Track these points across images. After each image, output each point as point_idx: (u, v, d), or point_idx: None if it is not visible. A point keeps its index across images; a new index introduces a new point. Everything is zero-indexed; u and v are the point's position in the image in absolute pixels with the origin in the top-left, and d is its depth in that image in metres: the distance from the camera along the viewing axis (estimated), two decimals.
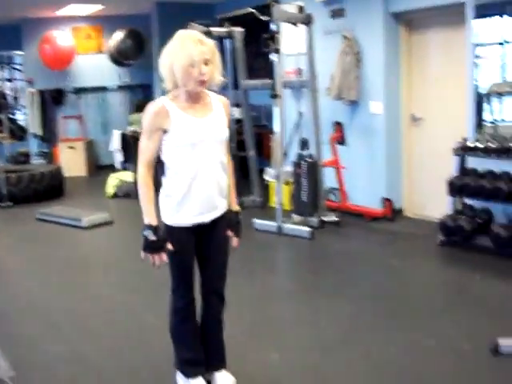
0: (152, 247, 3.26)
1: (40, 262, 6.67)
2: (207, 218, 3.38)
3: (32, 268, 6.44)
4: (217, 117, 3.36)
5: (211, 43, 3.27)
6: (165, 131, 3.24)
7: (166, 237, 3.29)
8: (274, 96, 7.06)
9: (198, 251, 3.47)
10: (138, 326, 4.70)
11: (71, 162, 12.60)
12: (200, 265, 3.53)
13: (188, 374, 3.56)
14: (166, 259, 3.30)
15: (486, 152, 6.15)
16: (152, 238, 3.25)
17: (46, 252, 7.07)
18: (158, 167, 3.36)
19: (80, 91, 13.75)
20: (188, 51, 3.15)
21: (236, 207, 3.58)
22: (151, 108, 3.26)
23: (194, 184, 3.29)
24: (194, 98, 3.30)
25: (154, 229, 3.25)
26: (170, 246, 3.29)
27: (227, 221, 3.50)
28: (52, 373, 3.97)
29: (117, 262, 6.60)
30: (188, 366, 3.58)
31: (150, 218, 3.26)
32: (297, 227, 7.25)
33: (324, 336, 4.43)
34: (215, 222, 3.43)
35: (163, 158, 3.33)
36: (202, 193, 3.32)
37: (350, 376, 3.81)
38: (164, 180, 3.38)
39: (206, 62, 3.19)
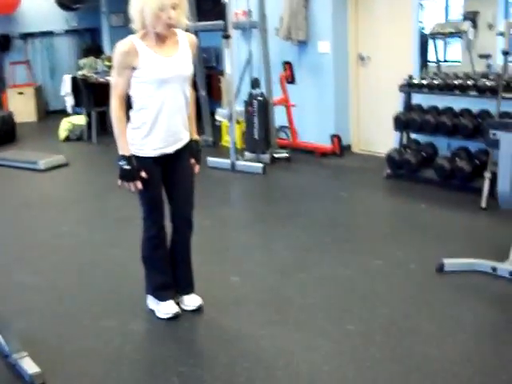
0: (127, 176, 3.49)
1: (1, 203, 6.81)
2: (172, 149, 3.60)
3: None
4: (183, 55, 3.54)
5: None
6: (134, 68, 3.42)
7: (138, 166, 3.48)
8: (226, 37, 7.20)
9: (165, 181, 3.70)
10: (103, 258, 4.91)
11: (21, 107, 12.53)
12: (168, 193, 3.76)
13: (159, 298, 3.81)
14: (140, 186, 3.51)
15: (430, 88, 6.43)
16: (126, 167, 3.46)
17: (5, 194, 7.22)
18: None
19: (27, 36, 13.60)
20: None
21: (196, 136, 3.79)
22: (121, 46, 3.42)
23: (159, 118, 3.50)
24: (162, 38, 3.48)
25: (128, 158, 3.46)
26: (143, 174, 3.50)
27: (189, 149, 3.71)
28: (28, 301, 4.18)
29: (76, 202, 6.77)
30: (159, 290, 3.83)
31: (124, 149, 3.48)
32: (249, 164, 7.51)
33: (280, 260, 4.71)
34: (179, 153, 3.65)
35: (131, 93, 3.51)
36: (167, 126, 3.53)
37: (305, 295, 4.08)
38: (132, 114, 3.56)
39: (174, 7, 3.36)
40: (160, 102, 3.49)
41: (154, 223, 3.72)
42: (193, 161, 3.76)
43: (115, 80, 3.48)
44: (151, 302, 3.89)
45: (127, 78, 3.45)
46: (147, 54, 3.43)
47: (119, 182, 3.52)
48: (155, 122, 3.51)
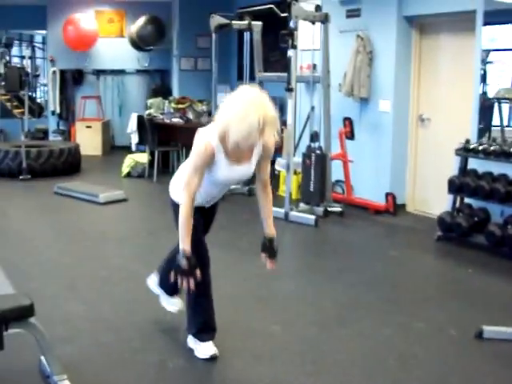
0: (183, 273, 3.48)
1: (59, 233, 7.05)
2: (207, 205, 3.92)
3: (52, 238, 6.81)
4: (251, 163, 3.64)
5: (273, 114, 3.36)
6: (208, 167, 3.55)
7: (196, 264, 3.51)
8: (289, 89, 7.39)
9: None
10: (151, 294, 5.05)
11: (87, 140, 12.93)
12: None
13: (200, 339, 3.94)
14: (193, 286, 3.50)
15: (486, 154, 6.46)
16: (185, 266, 3.47)
17: (65, 224, 7.47)
18: None
19: (99, 73, 14.09)
20: (250, 125, 3.26)
21: (271, 231, 3.83)
22: (204, 150, 3.47)
23: (207, 194, 3.78)
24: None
25: (188, 257, 3.48)
26: (198, 273, 3.51)
27: (262, 243, 3.84)
28: (74, 328, 4.35)
29: (130, 236, 6.98)
30: (201, 331, 3.95)
31: (185, 245, 3.50)
32: (303, 215, 7.60)
33: (323, 314, 4.78)
34: (211, 208, 4.00)
35: None
36: (210, 197, 3.84)
37: (344, 351, 4.14)
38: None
39: (263, 131, 3.35)
40: (214, 188, 3.76)
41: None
42: (263, 255, 3.83)
43: (190, 178, 3.51)
44: (191, 341, 4.01)
45: (202, 175, 3.52)
46: (222, 160, 3.52)
47: (172, 274, 3.53)
48: (202, 193, 3.69)
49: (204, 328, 3.95)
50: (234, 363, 3.92)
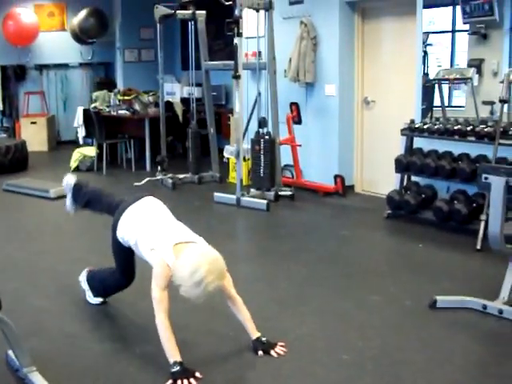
0: (183, 376, 3.49)
1: (13, 230, 7.01)
2: None
3: (6, 236, 6.75)
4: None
5: (223, 278, 3.66)
6: None
7: (190, 370, 3.54)
8: (236, 77, 7.47)
9: None
10: None
11: (33, 136, 12.79)
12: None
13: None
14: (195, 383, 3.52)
15: (430, 133, 6.66)
16: (181, 372, 3.49)
17: (18, 221, 7.43)
18: None
19: (42, 68, 13.94)
20: (199, 295, 3.45)
21: (256, 334, 3.90)
22: (164, 271, 3.61)
23: None
24: None
25: (180, 363, 3.52)
26: (198, 374, 3.55)
27: (253, 347, 3.87)
28: (39, 322, 4.39)
29: (86, 230, 6.97)
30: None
31: (174, 356, 3.53)
32: (254, 200, 7.73)
33: (281, 293, 4.92)
34: None
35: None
36: None
37: (305, 326, 4.29)
38: None
39: None
40: None
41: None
42: (261, 353, 3.83)
43: (159, 294, 3.59)
44: (84, 284, 4.76)
45: (167, 290, 3.62)
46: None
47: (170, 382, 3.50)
48: None
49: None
50: (198, 342, 4.03)
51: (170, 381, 3.47)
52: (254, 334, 3.91)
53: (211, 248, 3.68)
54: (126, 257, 4.27)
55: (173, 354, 3.54)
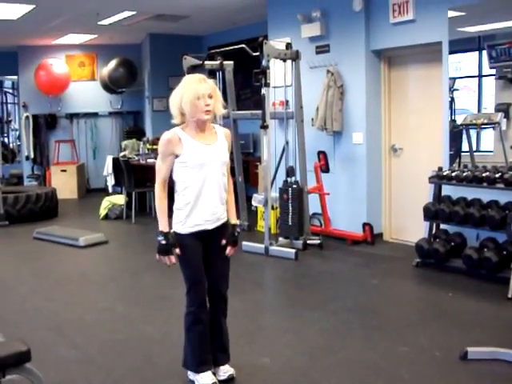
0: (164, 250, 3.87)
1: (42, 278, 7.06)
2: (211, 226, 3.96)
3: (35, 284, 6.81)
4: (220, 144, 3.97)
5: (211, 82, 3.91)
6: (177, 155, 3.83)
7: (174, 242, 3.86)
8: (264, 127, 7.52)
9: (205, 257, 3.99)
10: (139, 334, 5.11)
11: (63, 184, 13.01)
12: (206, 269, 4.02)
13: (197, 371, 4.02)
14: (174, 260, 3.87)
15: (459, 180, 6.62)
16: (163, 242, 3.85)
17: (47, 269, 7.48)
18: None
19: (72, 116, 14.19)
20: (194, 87, 3.79)
21: (235, 220, 4.11)
22: (165, 136, 3.86)
23: (200, 198, 3.89)
24: (202, 128, 3.91)
25: (165, 234, 3.86)
26: (177, 251, 3.87)
27: (225, 231, 4.03)
28: (66, 373, 4.39)
29: (114, 279, 7.02)
30: (196, 365, 4.03)
31: (162, 226, 3.88)
32: (283, 249, 7.71)
33: (310, 344, 4.87)
34: (218, 231, 4.00)
35: (175, 177, 3.91)
36: (207, 205, 3.92)
37: (333, 378, 4.23)
38: (175, 196, 3.96)
39: (210, 96, 3.82)
40: (200, 183, 3.87)
41: (194, 299, 3.97)
42: (224, 241, 4.02)
43: (159, 166, 3.89)
44: (190, 373, 4.10)
45: (169, 164, 3.86)
46: (189, 141, 3.84)
47: (157, 256, 3.88)
48: (196, 202, 3.88)
49: (199, 362, 4.02)
50: None
51: (157, 255, 3.89)
52: (234, 219, 4.11)
53: None
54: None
55: (161, 224, 3.89)
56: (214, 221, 3.95)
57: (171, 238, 3.86)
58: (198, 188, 3.86)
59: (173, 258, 3.87)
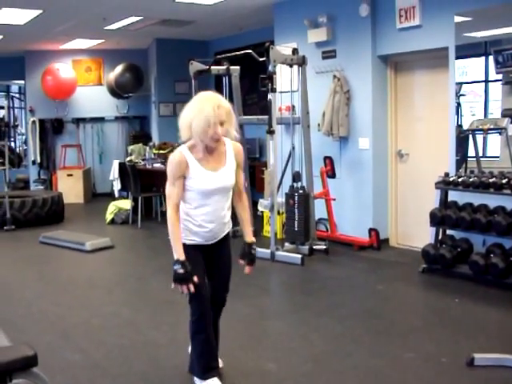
0: (181, 279, 3.71)
1: (48, 282, 7.08)
2: (211, 242, 3.95)
3: (41, 288, 6.83)
4: (228, 168, 3.87)
5: (227, 106, 3.73)
6: (185, 177, 3.75)
7: (191, 269, 3.71)
8: (270, 132, 7.52)
9: (206, 266, 3.98)
10: (144, 339, 5.11)
11: (69, 189, 13.04)
12: (208, 278, 4.02)
13: (203, 378, 4.00)
14: (193, 289, 3.71)
15: (465, 186, 6.61)
16: (181, 271, 3.69)
17: (53, 274, 7.49)
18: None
19: (79, 121, 14.23)
20: (206, 114, 3.62)
21: (250, 238, 4.03)
22: (174, 158, 3.75)
23: (205, 220, 3.86)
24: (210, 150, 3.81)
25: (182, 263, 3.70)
26: (195, 278, 3.72)
27: (241, 250, 4.00)
28: (72, 377, 4.40)
29: (120, 283, 7.03)
30: (202, 372, 4.02)
31: (178, 254, 3.73)
32: (289, 254, 7.70)
33: (316, 349, 4.86)
34: (220, 242, 3.99)
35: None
36: (211, 227, 3.89)
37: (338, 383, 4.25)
38: (182, 214, 3.88)
39: (222, 123, 3.68)
40: (205, 207, 3.83)
41: (196, 309, 3.95)
42: (242, 261, 4.01)
43: (170, 190, 3.77)
44: (197, 380, 4.09)
45: (180, 187, 3.76)
46: (196, 167, 3.75)
47: (172, 285, 3.73)
48: (201, 224, 3.85)
49: (206, 368, 4.01)
50: None
51: (173, 284, 3.72)
52: (249, 238, 4.03)
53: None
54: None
55: (176, 251, 3.73)
56: (216, 237, 3.96)
57: (188, 266, 3.71)
58: (203, 211, 3.84)
59: (191, 287, 3.71)
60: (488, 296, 6.10)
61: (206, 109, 3.62)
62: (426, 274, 6.93)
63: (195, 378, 4.09)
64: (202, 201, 3.80)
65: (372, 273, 7.23)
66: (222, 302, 4.15)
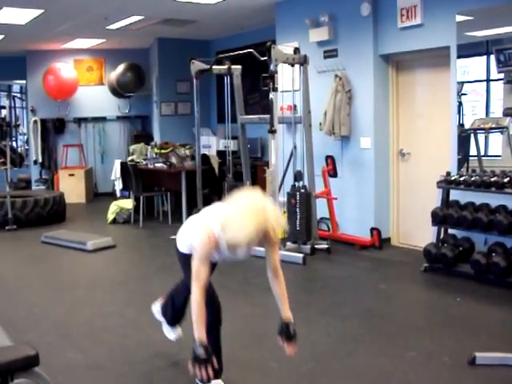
0: (201, 363, 3.41)
1: (50, 282, 7.09)
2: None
3: (43, 288, 6.83)
4: (251, 249, 3.56)
5: (274, 222, 3.43)
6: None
7: (213, 355, 3.46)
8: (272, 131, 7.51)
9: None
10: (146, 339, 5.10)
11: (71, 188, 13.04)
12: None
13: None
14: (212, 374, 3.44)
15: (467, 185, 6.61)
16: (203, 355, 3.40)
17: (55, 273, 7.51)
18: None
19: (80, 121, 14.24)
20: (245, 236, 3.30)
21: (288, 317, 3.81)
22: (207, 238, 3.51)
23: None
24: None
25: (205, 348, 3.42)
26: (215, 362, 3.47)
27: (278, 328, 3.80)
28: (74, 377, 4.40)
29: (122, 283, 7.02)
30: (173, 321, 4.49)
31: (201, 336, 3.45)
32: (290, 253, 7.70)
33: (317, 348, 4.87)
34: None
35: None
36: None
37: (340, 383, 4.24)
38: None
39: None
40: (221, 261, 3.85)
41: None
42: (280, 340, 3.79)
43: (198, 268, 3.51)
44: (159, 315, 4.56)
45: (209, 265, 3.56)
46: (224, 249, 3.55)
47: (190, 366, 3.45)
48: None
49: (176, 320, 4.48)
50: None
51: (191, 366, 3.41)
52: (286, 314, 3.79)
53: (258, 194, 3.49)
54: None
55: (200, 334, 3.44)
56: None
57: (210, 350, 3.44)
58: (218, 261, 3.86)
59: (210, 372, 3.38)
60: (490, 295, 6.10)
61: (247, 227, 3.30)
62: (428, 273, 6.93)
63: (197, 380, 4.05)
64: (219, 259, 3.80)
65: (374, 272, 7.23)
66: (221, 320, 4.09)
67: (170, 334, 4.61)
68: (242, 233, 3.29)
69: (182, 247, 3.99)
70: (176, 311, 4.46)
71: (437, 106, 7.76)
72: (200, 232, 3.55)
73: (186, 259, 3.83)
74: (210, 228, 3.52)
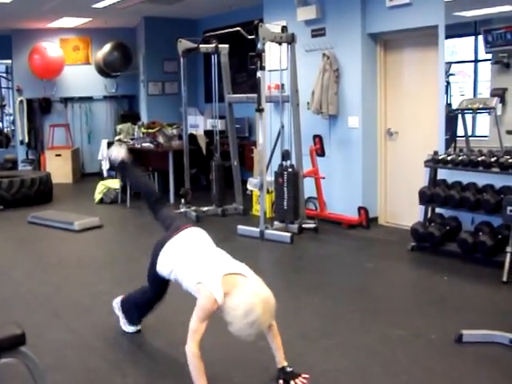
0: None
1: (37, 262, 7.06)
2: None
3: (30, 268, 6.81)
4: None
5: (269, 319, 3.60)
6: None
7: None
8: (259, 110, 7.49)
9: None
10: None
11: (58, 169, 12.98)
12: None
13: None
14: None
15: (454, 164, 6.63)
16: None
17: (42, 253, 7.47)
18: None
19: (67, 101, 14.14)
20: (251, 333, 3.44)
21: (283, 363, 3.92)
22: (211, 305, 3.55)
23: None
24: None
25: None
26: None
27: (277, 375, 3.91)
28: (62, 356, 4.39)
29: (109, 263, 7.02)
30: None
31: None
32: (278, 233, 7.71)
33: (306, 327, 4.88)
34: None
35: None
36: None
37: (330, 361, 4.24)
38: None
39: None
40: None
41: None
42: (281, 382, 3.86)
43: (196, 325, 3.56)
44: (119, 311, 4.82)
45: (206, 323, 3.59)
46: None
47: None
48: None
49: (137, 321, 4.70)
50: (226, 377, 4.00)
51: None
52: (282, 362, 3.92)
53: (262, 283, 3.66)
54: (162, 285, 4.37)
55: None
56: None
57: None
58: None
59: None
60: (476, 273, 6.14)
61: (255, 326, 3.42)
62: (415, 252, 6.95)
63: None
64: None
65: (361, 251, 7.26)
66: None
67: (128, 328, 4.77)
68: (244, 334, 3.44)
69: (162, 269, 4.14)
70: (139, 313, 4.69)
71: (425, 85, 7.75)
72: (206, 296, 3.58)
73: (157, 278, 4.20)
74: (215, 297, 3.55)
